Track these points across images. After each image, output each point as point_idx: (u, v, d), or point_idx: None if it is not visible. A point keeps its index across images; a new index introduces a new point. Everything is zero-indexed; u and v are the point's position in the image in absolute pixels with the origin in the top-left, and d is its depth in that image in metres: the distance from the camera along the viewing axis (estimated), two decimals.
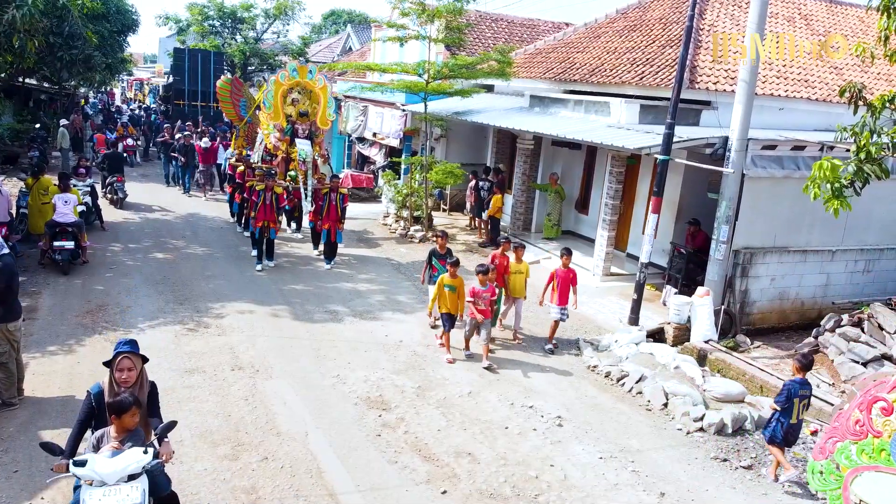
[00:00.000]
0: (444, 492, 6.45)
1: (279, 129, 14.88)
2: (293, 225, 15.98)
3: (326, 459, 6.82)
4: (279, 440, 7.09)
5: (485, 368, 9.16)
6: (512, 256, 10.40)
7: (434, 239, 11.01)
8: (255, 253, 13.19)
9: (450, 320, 9.54)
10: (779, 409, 6.98)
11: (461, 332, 9.79)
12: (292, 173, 14.76)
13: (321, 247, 13.79)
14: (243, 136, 17.54)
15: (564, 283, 10.06)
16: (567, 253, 10.18)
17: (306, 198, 14.29)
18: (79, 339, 9.15)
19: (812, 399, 8.68)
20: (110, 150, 19.68)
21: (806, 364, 7.18)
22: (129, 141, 24.38)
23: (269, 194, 12.65)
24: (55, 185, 12.70)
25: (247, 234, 14.51)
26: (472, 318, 9.41)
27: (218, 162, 20.05)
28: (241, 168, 15.07)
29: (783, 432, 7.01)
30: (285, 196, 14.00)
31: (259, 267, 12.84)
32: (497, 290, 10.00)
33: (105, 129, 27.01)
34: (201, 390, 8.02)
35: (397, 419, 7.73)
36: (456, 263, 9.61)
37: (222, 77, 23.09)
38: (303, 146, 14.35)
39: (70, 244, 11.65)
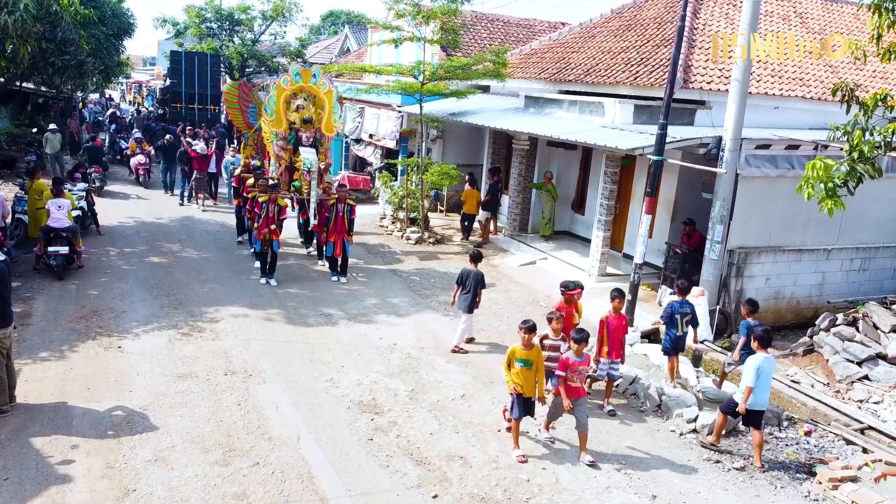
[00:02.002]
0: (436, 496, 6.44)
1: (282, 136, 13.99)
2: (308, 247, 14.94)
3: (318, 464, 6.81)
4: (271, 445, 7.08)
5: (588, 465, 7.14)
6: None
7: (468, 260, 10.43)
8: (257, 265, 12.84)
9: (525, 404, 7.23)
10: (662, 323, 8.66)
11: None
12: (296, 184, 14.04)
13: (338, 260, 12.99)
14: (252, 145, 16.12)
15: (617, 332, 8.37)
16: (619, 296, 8.43)
17: (310, 209, 13.33)
18: (72, 344, 9.14)
19: (806, 399, 8.75)
20: (89, 144, 20.63)
21: (683, 289, 9.19)
22: (142, 158, 21.19)
23: (273, 206, 12.20)
24: (49, 189, 12.69)
25: (250, 249, 13.88)
26: (556, 395, 7.39)
27: (210, 171, 18.78)
28: (252, 180, 14.02)
29: (672, 343, 8.90)
30: (295, 208, 13.25)
31: (264, 280, 12.34)
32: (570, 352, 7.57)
33: (118, 138, 25.90)
34: (193, 395, 8.00)
35: (390, 423, 7.72)
36: (532, 329, 7.22)
37: (228, 81, 22.71)
38: (307, 155, 13.36)
39: (64, 249, 11.63)
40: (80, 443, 6.86)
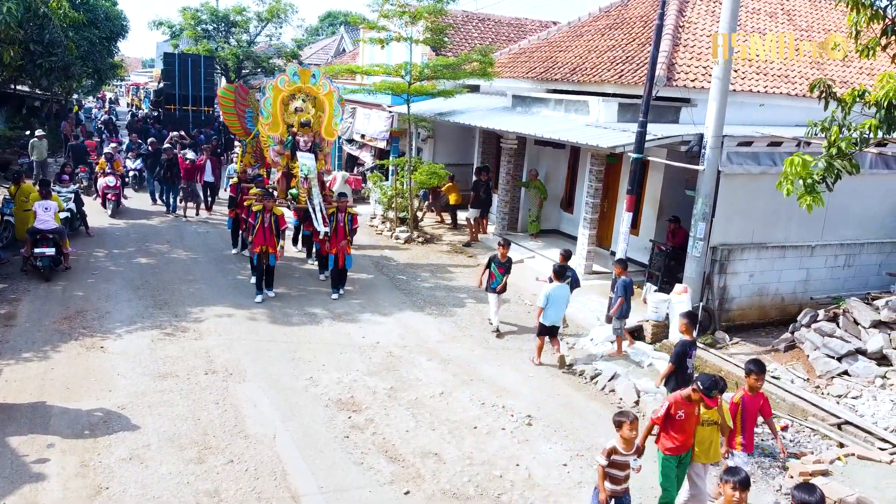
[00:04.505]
0: (408, 492, 6.49)
1: (278, 141, 13.15)
2: (306, 252, 14.40)
3: (292, 461, 6.86)
4: (246, 443, 7.13)
5: None
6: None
7: (496, 247, 11.02)
8: (253, 280, 11.93)
9: None
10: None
11: None
12: (293, 191, 13.20)
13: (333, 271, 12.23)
14: (251, 153, 14.99)
15: (753, 416, 6.45)
16: (756, 370, 6.44)
17: (316, 217, 12.31)
18: (55, 345, 9.19)
19: (785, 395, 8.79)
20: (74, 143, 20.77)
21: (565, 254, 10.63)
22: (111, 179, 17.21)
23: (269, 216, 11.34)
24: (37, 191, 12.75)
25: (244, 254, 13.42)
26: None
27: (206, 179, 17.87)
28: (254, 190, 13.05)
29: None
30: (294, 219, 12.53)
31: (259, 298, 11.51)
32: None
33: (131, 146, 23.66)
34: (173, 394, 8.06)
35: (367, 420, 7.76)
36: (746, 484, 4.77)
37: (223, 84, 22.40)
38: (305, 160, 12.57)
39: (51, 251, 11.68)
40: (56, 442, 6.92)
